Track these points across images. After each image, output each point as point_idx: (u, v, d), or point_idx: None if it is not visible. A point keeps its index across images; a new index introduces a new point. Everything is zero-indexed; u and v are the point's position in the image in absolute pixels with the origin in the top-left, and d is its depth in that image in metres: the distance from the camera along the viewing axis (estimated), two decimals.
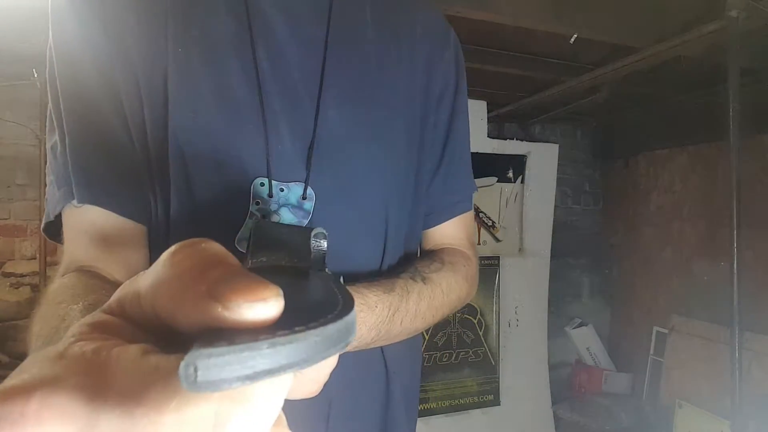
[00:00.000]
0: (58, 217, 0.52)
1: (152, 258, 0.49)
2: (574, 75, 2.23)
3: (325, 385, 0.28)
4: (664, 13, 1.74)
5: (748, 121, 1.63)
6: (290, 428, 0.20)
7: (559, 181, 3.02)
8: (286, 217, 0.51)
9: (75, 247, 0.50)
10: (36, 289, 2.24)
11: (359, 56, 0.58)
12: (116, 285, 0.21)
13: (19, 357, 2.25)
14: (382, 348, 0.60)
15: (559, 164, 2.95)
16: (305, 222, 0.52)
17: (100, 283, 0.45)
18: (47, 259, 2.22)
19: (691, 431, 2.39)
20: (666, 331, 2.77)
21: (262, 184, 0.50)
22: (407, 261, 0.64)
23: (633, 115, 3.05)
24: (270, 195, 0.50)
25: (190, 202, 0.49)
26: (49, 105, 0.53)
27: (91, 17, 0.50)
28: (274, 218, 0.50)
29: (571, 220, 3.31)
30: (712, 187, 2.63)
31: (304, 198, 0.52)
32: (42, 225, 0.55)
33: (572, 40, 1.77)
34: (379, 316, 0.50)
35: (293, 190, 0.52)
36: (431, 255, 0.65)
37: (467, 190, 0.69)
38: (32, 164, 2.21)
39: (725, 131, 1.60)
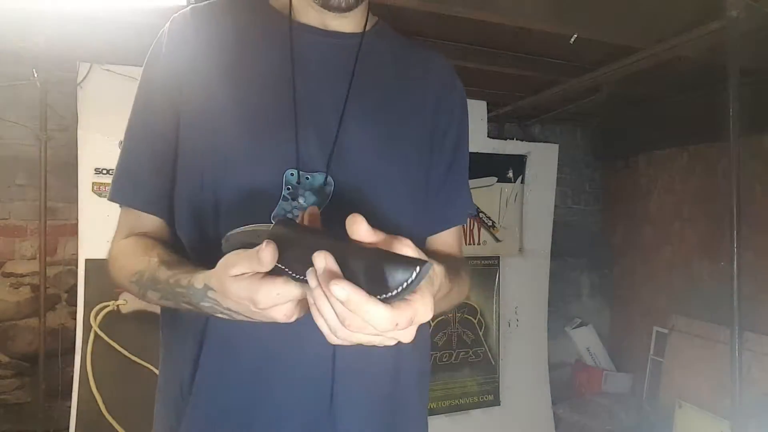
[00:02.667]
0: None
1: (202, 225, 0.66)
2: (574, 75, 2.23)
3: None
4: (664, 13, 1.73)
5: (748, 121, 1.63)
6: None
7: (559, 181, 3.02)
8: (311, 199, 0.64)
9: (130, 222, 0.71)
10: (36, 289, 2.24)
11: (379, 88, 0.72)
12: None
13: (19, 357, 2.25)
14: None
15: (559, 164, 2.95)
16: (326, 203, 0.65)
17: (152, 242, 0.66)
18: (47, 259, 2.22)
19: (691, 431, 2.39)
20: (666, 331, 2.77)
21: (292, 174, 0.64)
22: None
23: (633, 115, 3.05)
24: (298, 182, 0.64)
25: (238, 187, 0.64)
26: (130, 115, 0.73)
27: (174, 58, 0.68)
28: (300, 200, 0.64)
29: (571, 220, 3.31)
30: (712, 187, 2.63)
31: (325, 184, 0.65)
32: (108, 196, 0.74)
33: (572, 40, 1.77)
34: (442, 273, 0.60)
35: (316, 178, 0.65)
36: (433, 256, 0.71)
37: (465, 208, 0.82)
38: (32, 164, 2.20)
39: (725, 131, 1.60)
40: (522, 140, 2.93)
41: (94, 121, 2.03)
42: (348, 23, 0.72)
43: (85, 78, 2.04)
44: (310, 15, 0.71)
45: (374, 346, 0.67)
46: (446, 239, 0.80)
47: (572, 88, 2.32)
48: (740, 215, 1.57)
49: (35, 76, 2.10)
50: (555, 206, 2.96)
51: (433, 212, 0.77)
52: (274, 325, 0.61)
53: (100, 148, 2.04)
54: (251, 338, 0.63)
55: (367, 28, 0.74)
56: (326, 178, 0.65)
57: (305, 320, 0.62)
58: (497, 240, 2.83)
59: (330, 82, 0.69)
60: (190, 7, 0.71)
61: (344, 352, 0.63)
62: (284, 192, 0.64)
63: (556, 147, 2.95)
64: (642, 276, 3.10)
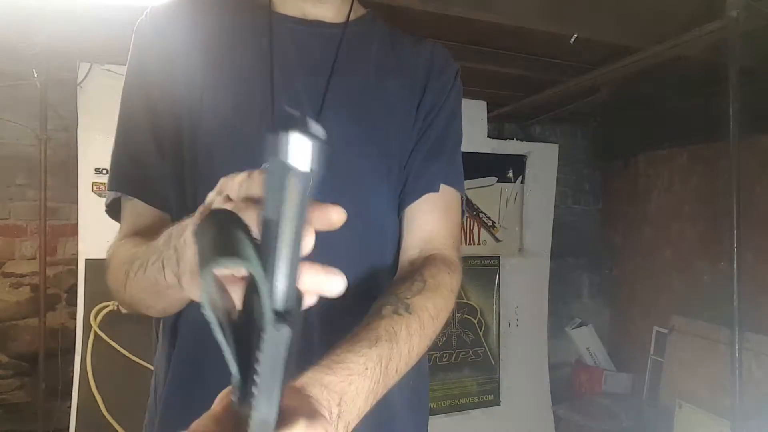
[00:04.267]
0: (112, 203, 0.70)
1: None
2: (574, 75, 2.23)
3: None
4: (664, 13, 1.73)
5: (748, 121, 1.63)
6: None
7: (559, 181, 3.02)
8: None
9: (128, 223, 0.67)
10: (36, 289, 2.24)
11: (361, 77, 0.70)
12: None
13: (19, 357, 2.25)
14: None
15: (559, 164, 2.95)
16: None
17: (147, 239, 0.58)
18: (47, 259, 2.22)
19: (691, 431, 2.39)
20: (666, 331, 2.77)
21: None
22: (386, 283, 0.64)
23: (633, 115, 3.05)
24: None
25: (213, 181, 0.61)
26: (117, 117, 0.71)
27: (152, 56, 0.67)
28: None
29: (571, 220, 3.31)
30: (712, 187, 2.62)
31: None
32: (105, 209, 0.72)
33: (572, 40, 1.77)
34: (373, 378, 0.48)
35: None
36: (411, 275, 0.64)
37: (451, 176, 0.73)
38: (32, 164, 2.20)
39: (725, 131, 1.60)
40: (522, 140, 2.93)
41: (94, 121, 2.03)
42: (329, 12, 0.70)
43: (85, 78, 2.04)
44: (290, 5, 0.70)
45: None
46: (428, 224, 0.70)
47: (572, 88, 2.32)
48: (740, 215, 1.57)
49: (35, 76, 2.10)
50: (555, 206, 2.96)
51: (410, 181, 0.71)
52: None
53: (100, 148, 2.04)
54: None
55: (353, 18, 0.72)
56: None
57: None
58: (497, 240, 2.83)
59: (309, 72, 0.68)
60: (167, 1, 0.70)
61: (329, 348, 0.60)
62: None
63: (556, 147, 2.95)
64: (642, 276, 3.10)
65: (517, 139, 2.91)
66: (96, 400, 1.98)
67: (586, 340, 3.16)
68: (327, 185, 0.61)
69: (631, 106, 2.95)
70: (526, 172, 2.86)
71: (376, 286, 0.66)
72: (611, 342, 3.25)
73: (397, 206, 0.71)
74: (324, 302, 0.62)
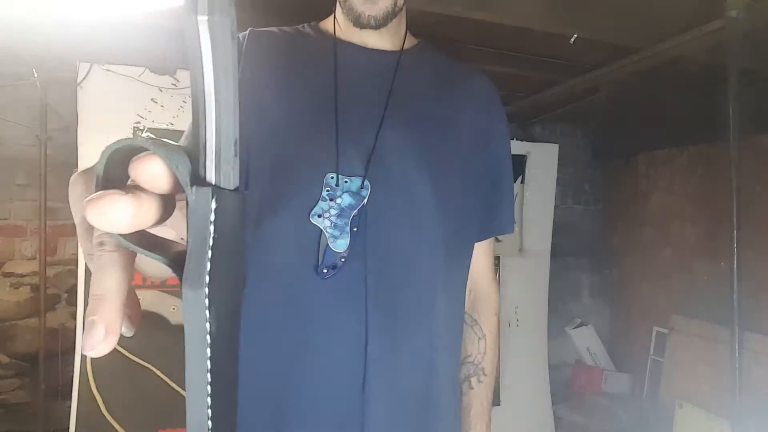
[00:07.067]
0: None
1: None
2: (574, 75, 2.23)
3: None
4: (664, 13, 1.73)
5: (748, 121, 1.63)
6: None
7: (559, 181, 3.02)
8: (347, 200, 0.70)
9: None
10: (36, 289, 2.24)
11: (416, 100, 0.78)
12: None
13: (19, 357, 2.25)
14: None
15: (559, 164, 2.95)
16: (361, 204, 0.70)
17: None
18: (47, 259, 2.22)
19: (691, 431, 2.39)
20: (666, 331, 2.77)
21: (332, 177, 0.70)
22: (433, 297, 0.76)
23: (633, 115, 3.04)
24: (337, 184, 0.70)
25: (281, 187, 0.70)
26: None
27: (246, 74, 0.75)
28: (338, 201, 0.69)
29: (571, 220, 3.31)
30: (712, 187, 2.62)
31: (362, 188, 0.71)
32: None
33: (572, 40, 1.76)
34: None
35: (354, 182, 0.71)
36: (474, 332, 0.86)
37: (509, 219, 0.86)
38: (32, 164, 2.20)
39: (725, 131, 1.60)
40: (522, 140, 2.92)
41: (94, 121, 2.03)
42: (386, 42, 0.80)
43: (85, 78, 2.04)
44: (353, 35, 0.79)
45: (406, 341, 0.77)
46: (480, 256, 0.85)
47: (572, 88, 2.32)
48: (740, 215, 1.57)
49: (35, 76, 2.10)
50: (555, 206, 2.96)
51: (480, 222, 0.82)
52: (310, 311, 0.69)
53: (100, 148, 2.01)
54: (288, 323, 0.68)
55: (407, 47, 0.82)
56: (363, 182, 0.71)
57: (341, 308, 0.69)
58: (497, 240, 2.82)
59: (369, 94, 0.76)
60: (250, 29, 0.80)
61: (377, 340, 0.68)
62: (324, 193, 0.70)
63: (556, 147, 2.95)
64: (642, 276, 3.10)
65: (517, 139, 2.90)
66: (96, 400, 1.98)
67: (586, 340, 3.16)
68: (385, 198, 0.70)
69: (631, 106, 2.94)
70: (526, 172, 2.86)
71: (426, 299, 0.75)
72: (611, 342, 3.25)
73: (454, 224, 0.78)
74: (379, 335, 0.70)
